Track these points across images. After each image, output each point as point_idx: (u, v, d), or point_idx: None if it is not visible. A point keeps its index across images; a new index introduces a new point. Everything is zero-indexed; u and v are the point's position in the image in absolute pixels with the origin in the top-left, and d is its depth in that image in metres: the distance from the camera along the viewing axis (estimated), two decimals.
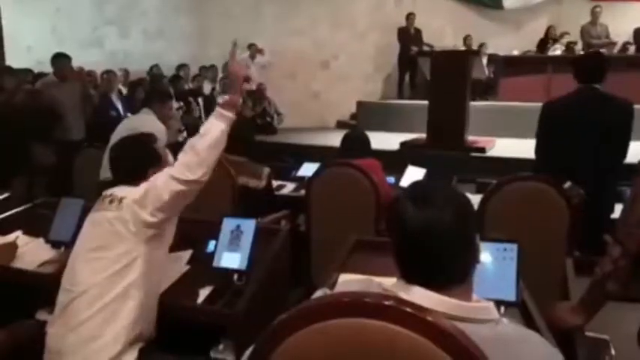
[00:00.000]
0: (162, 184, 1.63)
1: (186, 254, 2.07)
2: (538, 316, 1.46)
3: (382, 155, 3.31)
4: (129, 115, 4.91)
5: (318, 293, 1.03)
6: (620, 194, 2.79)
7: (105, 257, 1.60)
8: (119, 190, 1.71)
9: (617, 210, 2.65)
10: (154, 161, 1.78)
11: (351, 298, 0.78)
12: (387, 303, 0.76)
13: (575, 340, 1.36)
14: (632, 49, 7.69)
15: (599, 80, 2.73)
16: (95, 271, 1.58)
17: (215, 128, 1.71)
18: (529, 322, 1.44)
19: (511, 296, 1.46)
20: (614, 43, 7.70)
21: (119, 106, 5.41)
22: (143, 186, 1.67)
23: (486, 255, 1.48)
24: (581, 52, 7.22)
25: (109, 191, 1.74)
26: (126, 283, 1.58)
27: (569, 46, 7.85)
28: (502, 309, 1.42)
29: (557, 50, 7.78)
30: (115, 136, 3.24)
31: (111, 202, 1.68)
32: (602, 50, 6.37)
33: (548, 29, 8.35)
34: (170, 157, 1.94)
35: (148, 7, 9.33)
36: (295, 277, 2.39)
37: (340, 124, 8.41)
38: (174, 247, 1.90)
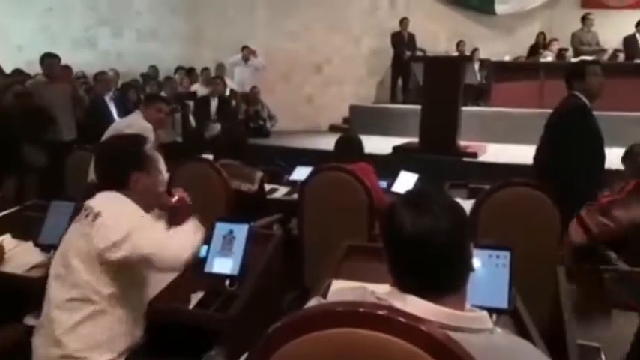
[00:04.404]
0: (146, 250, 1.55)
1: None
2: (530, 323, 1.46)
3: (375, 159, 3.31)
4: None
5: (312, 302, 1.03)
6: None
7: (77, 272, 1.54)
8: (98, 203, 1.62)
9: None
10: (137, 165, 1.68)
11: (345, 307, 0.78)
12: (380, 313, 0.76)
13: (567, 347, 1.36)
14: (621, 56, 7.77)
15: (573, 87, 2.87)
16: (70, 286, 1.54)
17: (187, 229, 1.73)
18: (521, 330, 1.44)
19: (503, 303, 1.46)
20: (604, 51, 7.78)
21: (112, 107, 5.37)
22: (124, 230, 1.54)
23: (479, 261, 1.48)
24: (572, 59, 7.28)
25: (88, 202, 1.65)
26: (105, 298, 1.53)
27: (560, 53, 7.92)
28: (494, 316, 1.42)
29: (547, 57, 7.84)
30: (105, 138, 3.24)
31: (87, 215, 1.59)
32: (591, 58, 6.41)
33: (538, 36, 8.42)
34: (162, 160, 1.91)
35: (141, 8, 9.29)
36: (288, 281, 2.38)
37: (333, 128, 8.40)
38: None
